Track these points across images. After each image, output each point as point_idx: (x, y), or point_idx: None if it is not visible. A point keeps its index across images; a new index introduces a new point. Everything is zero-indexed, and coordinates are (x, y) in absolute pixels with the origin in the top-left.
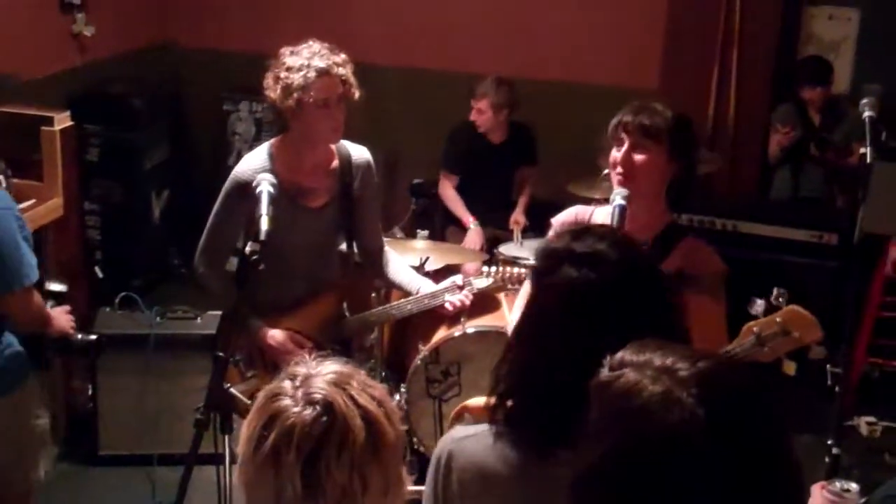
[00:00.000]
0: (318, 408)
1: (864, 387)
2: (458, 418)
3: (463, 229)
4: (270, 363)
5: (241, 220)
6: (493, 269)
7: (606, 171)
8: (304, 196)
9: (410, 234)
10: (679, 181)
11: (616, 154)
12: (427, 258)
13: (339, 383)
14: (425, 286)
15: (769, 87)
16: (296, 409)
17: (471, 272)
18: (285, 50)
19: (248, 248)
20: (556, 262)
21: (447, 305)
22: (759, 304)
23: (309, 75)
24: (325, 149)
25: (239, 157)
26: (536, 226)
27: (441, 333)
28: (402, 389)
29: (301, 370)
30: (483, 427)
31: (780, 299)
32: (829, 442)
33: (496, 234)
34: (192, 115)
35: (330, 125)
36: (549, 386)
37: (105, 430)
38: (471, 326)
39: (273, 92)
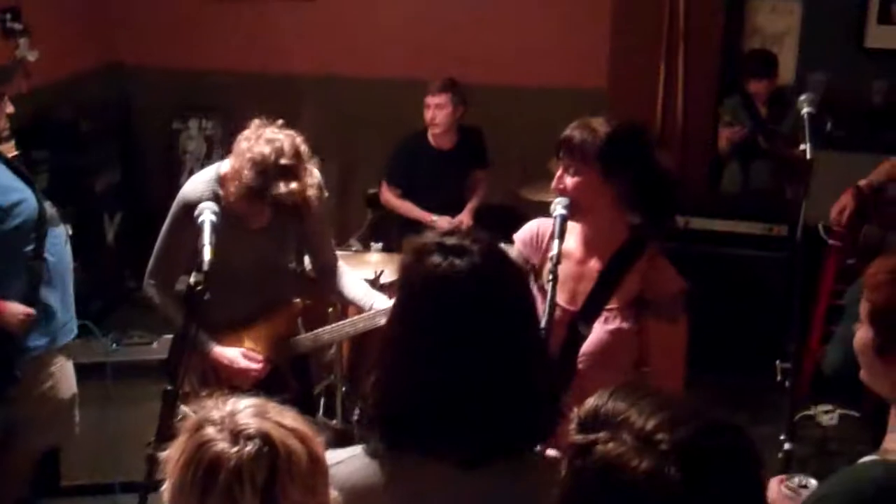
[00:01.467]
0: (256, 441)
1: (821, 375)
2: None
3: (417, 232)
4: (225, 381)
5: (191, 241)
6: None
7: None
8: (247, 219)
9: (367, 246)
10: (636, 194)
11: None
12: (382, 271)
13: (261, 414)
14: (378, 302)
15: (716, 81)
16: (235, 450)
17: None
18: (257, 130)
19: (191, 279)
20: (423, 252)
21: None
22: None
23: (285, 185)
24: None
25: (191, 175)
26: (488, 230)
27: None
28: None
29: (216, 413)
30: (353, 449)
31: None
32: (781, 437)
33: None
34: (142, 135)
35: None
36: (418, 390)
37: (66, 460)
38: None
39: (238, 166)
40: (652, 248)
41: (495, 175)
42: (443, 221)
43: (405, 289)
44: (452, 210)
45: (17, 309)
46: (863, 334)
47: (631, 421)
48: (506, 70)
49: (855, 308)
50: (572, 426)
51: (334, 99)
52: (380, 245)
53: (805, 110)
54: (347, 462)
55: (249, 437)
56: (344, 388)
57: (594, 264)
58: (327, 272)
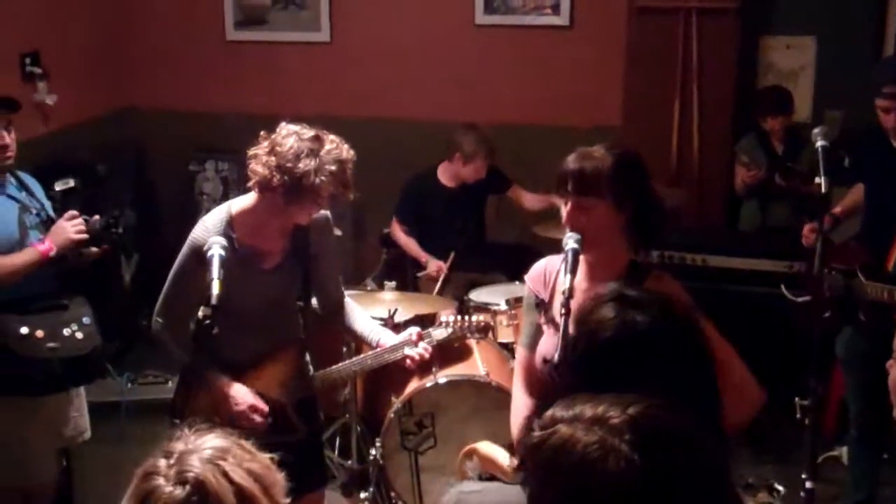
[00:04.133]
0: (188, 487)
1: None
2: (466, 457)
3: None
4: (228, 422)
5: (200, 283)
6: (451, 318)
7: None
8: (260, 259)
9: (381, 285)
10: (637, 220)
11: (563, 206)
12: (396, 310)
13: (214, 459)
14: (385, 337)
15: (731, 118)
16: (168, 489)
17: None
18: (289, 130)
19: (200, 313)
20: (602, 301)
21: (407, 361)
22: None
23: (326, 173)
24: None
25: None
26: (507, 270)
27: (413, 385)
28: (378, 444)
29: (178, 446)
30: (491, 484)
31: None
32: (803, 476)
33: (472, 279)
34: (159, 177)
35: (314, 213)
36: None
37: (81, 501)
38: (442, 376)
39: (276, 171)
40: (656, 270)
41: (510, 213)
42: (433, 265)
43: (584, 333)
44: (472, 247)
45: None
46: None
47: (585, 412)
48: (521, 109)
49: (850, 361)
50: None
51: (348, 140)
52: (393, 284)
53: (819, 143)
54: (485, 492)
55: (184, 482)
56: (359, 429)
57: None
58: (335, 308)
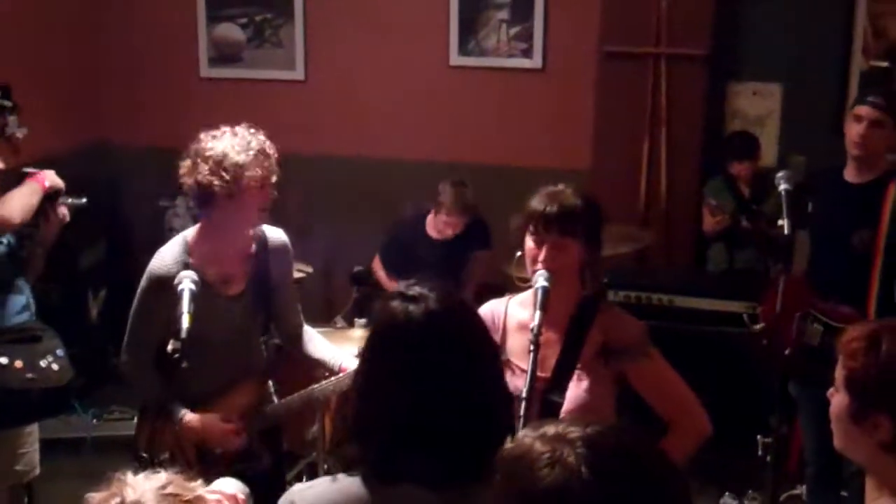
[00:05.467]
0: None
1: None
2: None
3: None
4: (194, 459)
5: (162, 316)
6: None
7: (519, 253)
8: (222, 285)
9: (351, 323)
10: (592, 261)
11: (533, 247)
12: None
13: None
14: (347, 362)
15: (699, 163)
16: None
17: None
18: (205, 135)
19: (169, 347)
20: (387, 300)
21: None
22: None
23: (247, 155)
24: (245, 235)
25: None
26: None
27: None
28: None
29: (118, 483)
30: (322, 479)
31: None
32: None
33: None
34: (129, 212)
35: (261, 206)
36: (388, 421)
37: None
38: None
39: (200, 176)
40: (603, 303)
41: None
42: None
43: (372, 334)
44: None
45: None
46: (838, 401)
47: (550, 429)
48: (493, 150)
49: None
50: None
51: (321, 177)
52: (364, 321)
53: (783, 187)
54: (316, 486)
55: None
56: (326, 466)
57: (555, 330)
58: (293, 334)
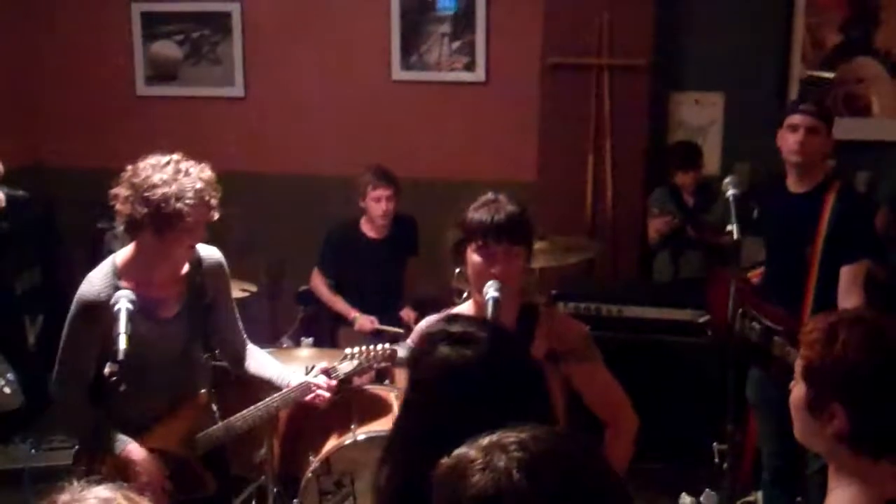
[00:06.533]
0: None
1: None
2: None
3: (351, 325)
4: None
5: (94, 342)
6: (356, 350)
7: (459, 269)
8: (156, 308)
9: (298, 343)
10: (528, 266)
11: (481, 260)
12: (314, 366)
13: None
14: (294, 379)
15: (643, 173)
16: None
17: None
18: (145, 164)
19: (106, 370)
20: (431, 343)
21: (310, 397)
22: None
23: (188, 196)
24: (176, 263)
25: None
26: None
27: (332, 443)
28: None
29: (63, 497)
30: None
31: None
32: None
33: (382, 331)
34: (66, 235)
35: (192, 244)
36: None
37: None
38: (361, 433)
39: (129, 207)
40: (545, 308)
41: (431, 267)
42: (364, 321)
43: (416, 381)
44: (391, 299)
45: None
46: (797, 392)
47: (484, 439)
48: (438, 164)
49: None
50: None
51: (264, 196)
52: (310, 340)
53: (730, 192)
54: None
55: None
56: (276, 490)
57: None
58: (236, 353)
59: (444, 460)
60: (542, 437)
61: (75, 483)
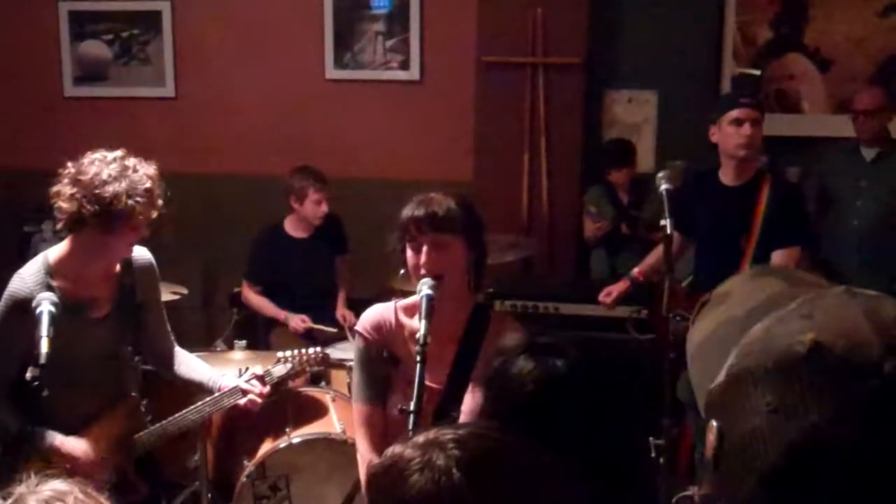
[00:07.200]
0: None
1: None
2: None
3: (284, 327)
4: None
5: (22, 341)
6: (289, 353)
7: (403, 270)
8: (87, 307)
9: (231, 346)
10: (477, 263)
11: (412, 255)
12: (247, 368)
13: (52, 501)
14: (226, 382)
15: (579, 171)
16: None
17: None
18: (90, 160)
19: (28, 374)
20: (509, 358)
21: (244, 401)
22: None
23: (139, 193)
24: (113, 262)
25: None
26: None
27: (266, 446)
28: None
29: (19, 489)
30: None
31: None
32: None
33: (315, 332)
34: None
35: (135, 241)
36: None
37: None
38: (297, 436)
39: (73, 203)
40: (496, 311)
41: (364, 268)
42: (296, 320)
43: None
44: (321, 299)
45: None
46: None
47: (420, 437)
48: (372, 163)
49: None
50: None
51: (196, 197)
52: (244, 343)
53: (663, 187)
54: None
55: None
56: (210, 495)
57: (449, 339)
58: (165, 357)
59: (379, 461)
60: (481, 435)
61: (32, 476)
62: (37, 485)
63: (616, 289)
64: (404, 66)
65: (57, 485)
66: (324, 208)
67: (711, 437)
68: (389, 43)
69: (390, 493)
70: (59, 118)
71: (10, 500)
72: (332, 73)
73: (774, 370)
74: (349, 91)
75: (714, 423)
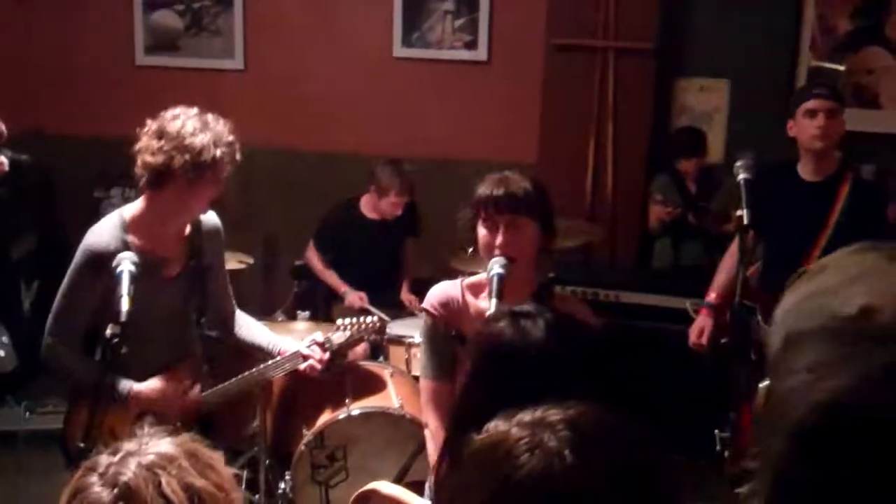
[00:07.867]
0: (116, 491)
1: None
2: (362, 500)
3: (342, 302)
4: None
5: (96, 294)
6: (348, 321)
7: (472, 249)
8: (161, 266)
9: (293, 317)
10: (547, 246)
11: (487, 234)
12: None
13: (153, 467)
14: (285, 346)
15: (645, 158)
16: (97, 489)
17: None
18: (171, 115)
19: (108, 331)
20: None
21: (304, 367)
22: None
23: (224, 143)
24: (188, 220)
25: None
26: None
27: (325, 417)
28: (287, 477)
29: (128, 445)
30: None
31: None
32: None
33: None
34: (63, 202)
35: (213, 197)
36: None
37: None
38: (356, 408)
39: (161, 155)
40: (559, 292)
41: (428, 248)
42: (353, 296)
43: (483, 358)
44: (386, 278)
45: None
46: None
47: (526, 415)
48: (438, 143)
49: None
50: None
51: (259, 170)
52: (307, 313)
53: (741, 176)
54: None
55: (115, 485)
56: (268, 461)
57: None
58: (226, 319)
59: (481, 437)
60: (589, 415)
61: (145, 429)
62: (145, 444)
63: (706, 326)
64: (472, 46)
65: (164, 447)
66: (398, 211)
67: (760, 398)
68: (458, 22)
69: (495, 471)
70: (130, 86)
71: (117, 456)
72: (399, 51)
73: (820, 330)
74: (415, 70)
75: (763, 384)
